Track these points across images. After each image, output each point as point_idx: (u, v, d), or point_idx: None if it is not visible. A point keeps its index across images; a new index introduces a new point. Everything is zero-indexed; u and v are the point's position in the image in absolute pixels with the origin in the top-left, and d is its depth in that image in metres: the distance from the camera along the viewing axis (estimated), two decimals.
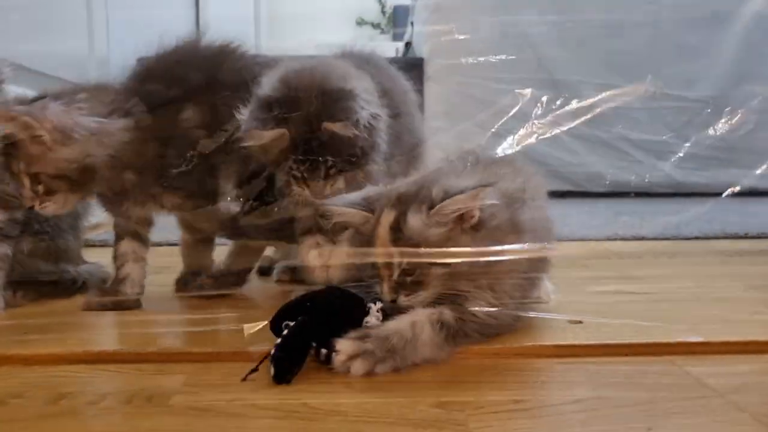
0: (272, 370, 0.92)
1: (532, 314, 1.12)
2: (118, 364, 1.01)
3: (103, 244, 1.70)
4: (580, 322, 1.13)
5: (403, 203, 1.02)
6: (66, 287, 1.40)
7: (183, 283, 1.44)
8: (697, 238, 2.07)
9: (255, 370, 0.93)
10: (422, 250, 0.99)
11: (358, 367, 0.93)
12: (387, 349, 0.95)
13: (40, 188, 1.17)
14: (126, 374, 0.98)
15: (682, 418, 0.82)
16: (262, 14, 4.41)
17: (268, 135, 1.17)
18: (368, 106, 1.20)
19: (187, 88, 1.27)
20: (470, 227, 1.01)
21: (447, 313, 0.99)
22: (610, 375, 0.95)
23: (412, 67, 2.91)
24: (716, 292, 1.41)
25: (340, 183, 1.23)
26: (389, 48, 4.13)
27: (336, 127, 1.16)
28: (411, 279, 1.01)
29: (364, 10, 4.74)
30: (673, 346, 1.03)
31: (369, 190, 1.10)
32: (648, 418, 0.81)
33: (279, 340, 0.95)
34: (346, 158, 1.20)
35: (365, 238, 1.06)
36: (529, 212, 1.09)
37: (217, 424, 0.81)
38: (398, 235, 1.00)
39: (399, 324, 0.98)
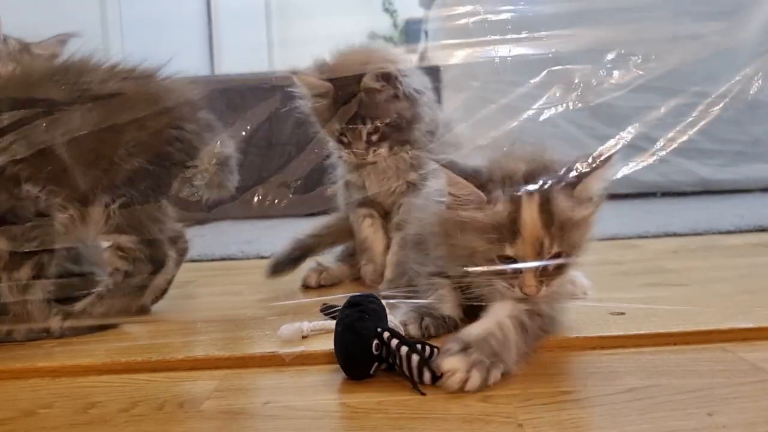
0: (427, 375, 0.85)
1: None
2: (147, 373, 0.98)
3: None
4: (623, 313, 1.09)
5: (541, 183, 0.93)
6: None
7: None
8: (730, 232, 2.01)
9: (419, 383, 0.85)
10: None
11: (475, 380, 0.82)
12: (491, 353, 0.86)
13: None
14: (156, 382, 0.95)
15: (742, 402, 0.77)
16: (273, 27, 4.43)
17: (315, 82, 1.30)
18: (411, 80, 1.31)
19: None
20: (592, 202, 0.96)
21: (522, 312, 0.93)
22: (662, 364, 0.90)
23: (429, 76, 2.89)
24: (760, 281, 1.35)
25: (384, 149, 1.34)
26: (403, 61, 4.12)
27: (366, 78, 1.26)
28: (554, 265, 0.94)
29: (376, 25, 4.74)
30: (724, 332, 0.99)
31: (475, 162, 0.99)
32: (707, 404, 0.76)
33: (406, 349, 0.86)
34: (388, 124, 1.30)
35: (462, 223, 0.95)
36: None
37: (253, 426, 0.78)
38: (550, 219, 0.92)
39: (485, 326, 0.90)
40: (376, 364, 0.89)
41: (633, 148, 1.29)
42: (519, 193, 0.92)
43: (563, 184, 0.93)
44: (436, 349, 0.91)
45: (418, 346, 0.88)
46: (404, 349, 0.86)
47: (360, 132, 1.31)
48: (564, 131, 2.72)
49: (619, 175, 1.31)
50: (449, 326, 1.03)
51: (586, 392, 0.82)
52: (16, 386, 0.96)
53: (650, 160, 1.19)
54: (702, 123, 1.24)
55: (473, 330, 0.89)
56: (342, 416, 0.79)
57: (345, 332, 0.90)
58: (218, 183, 1.29)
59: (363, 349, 0.88)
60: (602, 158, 0.94)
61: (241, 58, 3.83)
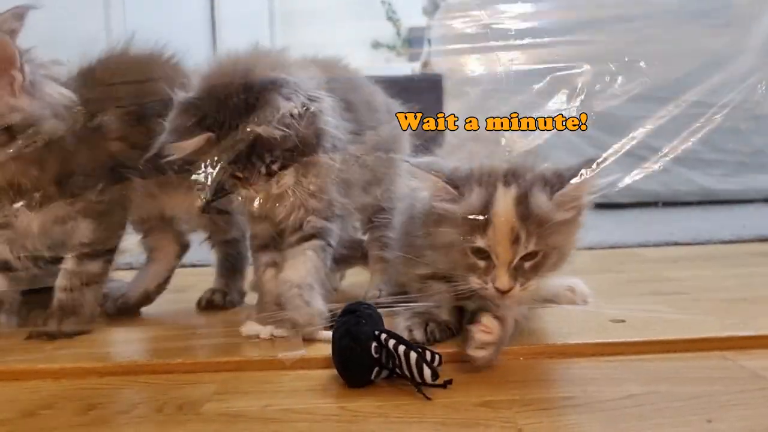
0: (427, 372, 0.85)
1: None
2: (147, 375, 0.98)
3: (128, 267, 1.68)
4: (623, 321, 1.09)
5: (520, 180, 0.93)
6: None
7: None
8: (731, 241, 2.01)
9: (419, 383, 0.85)
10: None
11: (493, 355, 0.91)
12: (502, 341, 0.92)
13: None
14: (156, 384, 0.95)
15: (742, 409, 0.77)
16: (277, 38, 4.44)
17: (191, 144, 1.06)
18: (299, 93, 1.08)
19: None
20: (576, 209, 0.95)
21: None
22: (661, 371, 0.90)
23: (431, 84, 2.90)
24: (760, 290, 1.35)
25: (289, 178, 1.13)
26: (405, 69, 4.14)
27: (260, 130, 1.05)
28: (530, 264, 0.92)
29: (379, 33, 4.77)
30: (724, 340, 0.99)
31: (455, 164, 0.99)
32: (706, 410, 0.77)
33: (404, 348, 0.86)
34: (286, 152, 1.10)
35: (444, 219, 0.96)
36: None
37: (252, 429, 0.78)
38: (526, 212, 0.90)
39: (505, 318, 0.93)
40: (377, 368, 0.88)
41: (635, 157, 1.30)
42: (494, 185, 0.93)
43: (545, 185, 0.93)
44: (438, 355, 0.91)
45: (419, 348, 0.89)
46: (402, 348, 0.86)
47: (257, 169, 1.10)
48: (566, 140, 2.73)
49: (622, 184, 1.31)
50: (452, 331, 1.03)
51: (585, 398, 0.82)
52: (17, 387, 0.96)
53: (654, 167, 1.19)
54: (702, 132, 1.25)
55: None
56: (341, 420, 0.79)
57: (343, 337, 0.90)
58: None
59: (362, 353, 0.88)
60: (589, 168, 0.93)
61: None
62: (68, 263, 1.21)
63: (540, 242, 0.91)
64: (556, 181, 0.93)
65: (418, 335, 1.00)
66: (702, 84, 1.66)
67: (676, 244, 2.00)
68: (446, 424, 0.75)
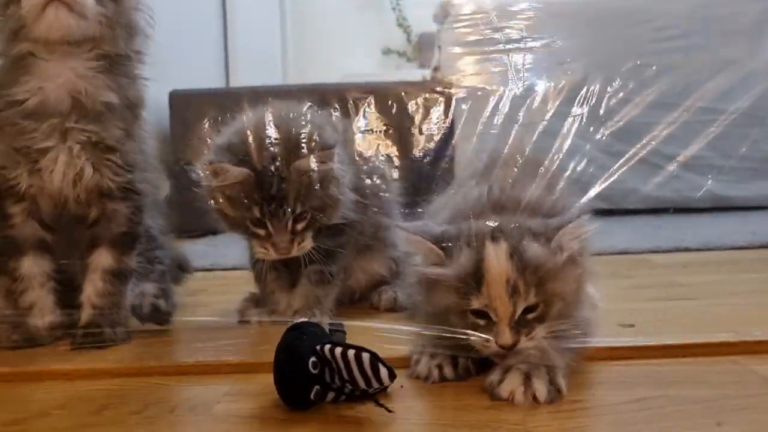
0: (384, 372, 0.80)
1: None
2: (159, 377, 0.99)
3: None
4: (632, 325, 1.09)
5: (509, 234, 0.89)
6: None
7: None
8: (742, 248, 2.00)
9: (378, 384, 0.81)
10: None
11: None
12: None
13: None
14: (168, 386, 0.96)
15: (752, 413, 0.77)
16: (288, 45, 4.47)
17: (234, 172, 1.09)
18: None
19: None
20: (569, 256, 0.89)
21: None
22: (671, 375, 0.90)
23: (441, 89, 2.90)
24: None
25: (308, 240, 1.14)
26: (416, 75, 4.14)
27: (305, 164, 1.09)
28: (532, 316, 0.88)
29: (389, 39, 4.78)
30: (734, 345, 0.99)
31: (441, 225, 0.96)
32: (716, 414, 0.77)
33: (353, 351, 0.81)
34: (314, 207, 1.12)
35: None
36: None
37: (263, 430, 0.79)
38: (521, 263, 0.86)
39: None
40: (317, 387, 0.81)
41: (645, 164, 1.30)
42: (482, 242, 0.88)
43: (534, 236, 0.89)
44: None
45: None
46: (351, 351, 0.80)
47: (284, 220, 1.11)
48: (574, 144, 2.72)
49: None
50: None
51: (594, 401, 0.82)
52: (31, 388, 0.97)
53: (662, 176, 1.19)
54: (707, 138, 1.24)
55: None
56: (350, 421, 0.79)
57: (281, 353, 0.84)
58: None
59: (299, 369, 0.81)
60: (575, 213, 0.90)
61: (256, 71, 3.86)
62: (103, 260, 1.12)
63: (540, 292, 0.87)
64: (544, 231, 0.89)
65: (448, 372, 0.92)
66: (712, 90, 1.66)
67: (687, 249, 1.98)
68: (455, 426, 0.76)
